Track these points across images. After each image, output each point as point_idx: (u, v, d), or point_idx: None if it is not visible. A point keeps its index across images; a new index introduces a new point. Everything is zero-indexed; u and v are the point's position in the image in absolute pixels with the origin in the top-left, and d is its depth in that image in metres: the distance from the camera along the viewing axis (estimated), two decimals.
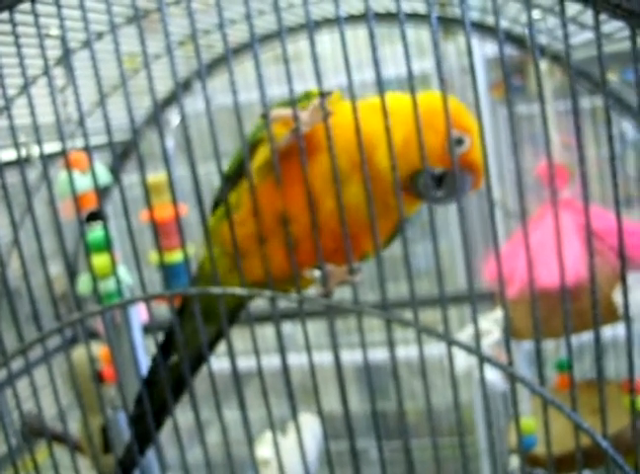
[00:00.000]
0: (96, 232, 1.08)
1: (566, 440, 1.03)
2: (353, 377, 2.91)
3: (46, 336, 0.96)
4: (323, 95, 0.85)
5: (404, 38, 0.77)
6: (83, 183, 1.05)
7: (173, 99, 1.72)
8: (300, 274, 0.89)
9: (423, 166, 0.81)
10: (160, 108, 1.66)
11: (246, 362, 1.15)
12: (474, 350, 0.83)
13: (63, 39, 0.92)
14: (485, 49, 2.23)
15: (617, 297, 1.21)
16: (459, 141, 0.89)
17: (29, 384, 1.02)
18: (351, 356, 2.41)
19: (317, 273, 0.90)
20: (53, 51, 1.10)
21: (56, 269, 1.37)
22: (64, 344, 1.02)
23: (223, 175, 0.87)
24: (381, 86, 0.80)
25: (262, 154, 0.95)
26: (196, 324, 0.91)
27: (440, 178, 0.91)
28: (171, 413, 1.00)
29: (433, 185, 0.90)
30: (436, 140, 0.86)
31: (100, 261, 1.03)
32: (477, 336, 0.83)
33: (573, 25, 1.16)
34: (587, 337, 1.40)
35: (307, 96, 0.96)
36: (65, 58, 0.95)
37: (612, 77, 1.67)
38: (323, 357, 1.49)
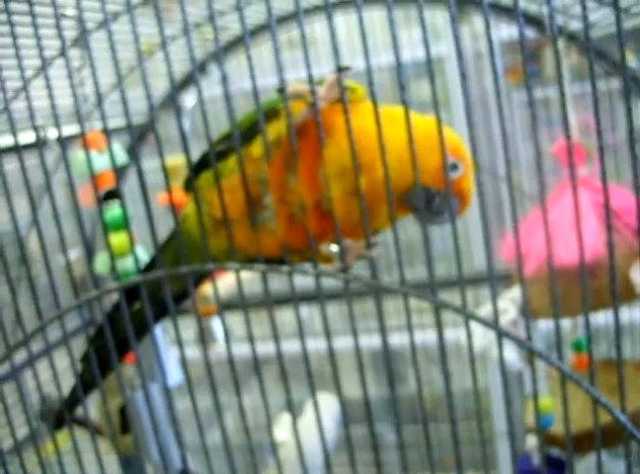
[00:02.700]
0: (113, 211, 1.08)
1: (583, 419, 1.03)
2: (369, 362, 2.91)
3: (65, 313, 0.96)
4: (340, 70, 0.84)
5: (422, 19, 0.77)
6: (100, 162, 1.06)
7: (188, 82, 1.72)
8: (316, 249, 0.90)
9: (417, 182, 0.84)
10: (176, 90, 1.66)
11: (263, 348, 1.15)
12: (492, 324, 0.83)
13: (80, 20, 0.92)
14: (500, 33, 2.21)
15: (634, 275, 1.20)
16: (454, 167, 0.92)
17: (48, 366, 1.03)
18: (367, 341, 2.41)
19: (334, 247, 0.90)
20: (70, 32, 1.10)
21: (75, 253, 1.38)
22: (83, 324, 1.03)
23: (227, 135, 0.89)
24: (399, 68, 0.80)
25: (273, 129, 0.95)
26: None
27: (431, 198, 0.93)
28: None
29: (424, 203, 0.92)
30: (432, 161, 0.88)
31: (117, 239, 1.04)
32: (495, 310, 0.83)
33: (590, 1, 1.15)
34: (602, 319, 1.39)
35: (321, 82, 0.95)
36: (82, 39, 0.95)
37: (629, 56, 1.66)
38: (340, 343, 1.48)
